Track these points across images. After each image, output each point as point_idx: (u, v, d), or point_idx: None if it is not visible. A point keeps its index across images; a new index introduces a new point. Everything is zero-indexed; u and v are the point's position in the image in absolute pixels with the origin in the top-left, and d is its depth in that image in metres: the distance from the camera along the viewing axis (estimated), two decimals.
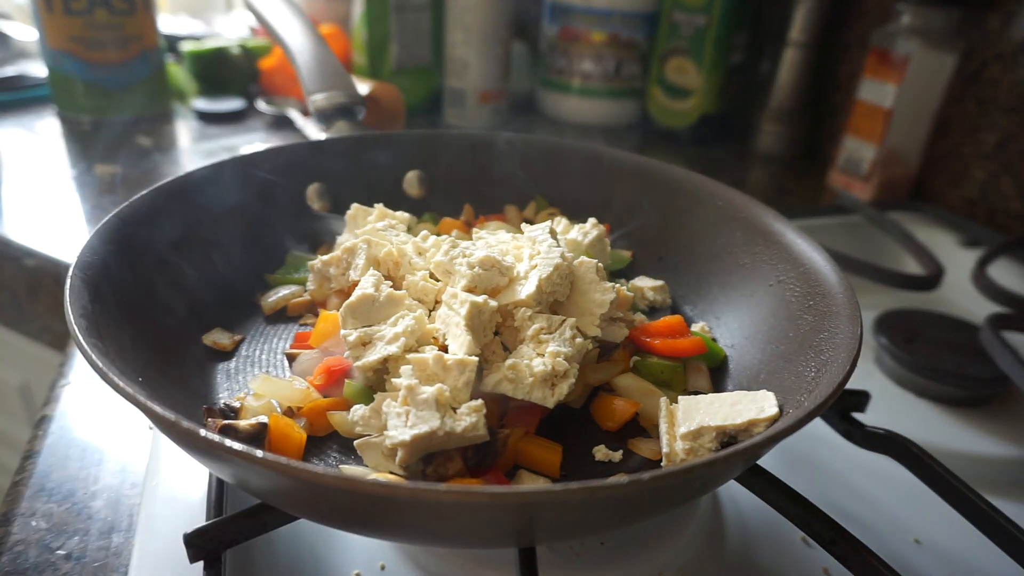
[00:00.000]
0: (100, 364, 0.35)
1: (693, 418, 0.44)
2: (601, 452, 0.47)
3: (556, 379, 0.46)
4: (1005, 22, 0.97)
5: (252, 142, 1.14)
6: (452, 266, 0.50)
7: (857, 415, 0.55)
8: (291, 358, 0.52)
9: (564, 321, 0.48)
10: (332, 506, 0.34)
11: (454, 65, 1.24)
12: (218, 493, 0.44)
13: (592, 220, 0.63)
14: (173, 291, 0.53)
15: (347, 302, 0.48)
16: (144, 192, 0.54)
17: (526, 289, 0.49)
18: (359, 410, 0.45)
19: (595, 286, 0.51)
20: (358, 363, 0.46)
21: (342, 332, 0.47)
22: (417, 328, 0.47)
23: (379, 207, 0.61)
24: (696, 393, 0.52)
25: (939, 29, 0.98)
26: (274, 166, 0.64)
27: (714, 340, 0.57)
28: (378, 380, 0.47)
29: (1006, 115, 0.98)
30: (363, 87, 1.05)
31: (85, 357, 0.36)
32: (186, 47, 1.33)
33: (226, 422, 0.43)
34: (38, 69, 1.27)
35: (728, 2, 1.19)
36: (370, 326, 0.48)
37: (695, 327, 0.58)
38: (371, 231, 0.57)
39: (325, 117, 0.70)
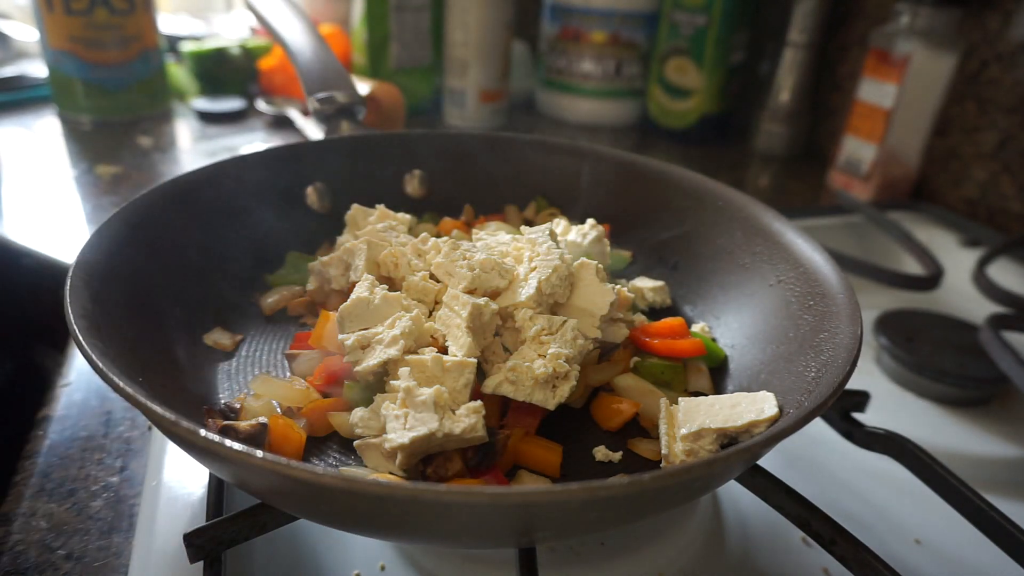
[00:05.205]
0: (100, 364, 0.35)
1: (694, 420, 0.44)
2: (601, 452, 0.47)
3: (557, 381, 0.46)
4: (1005, 22, 0.97)
5: (252, 142, 1.14)
6: (452, 268, 0.50)
7: (857, 415, 0.55)
8: (291, 358, 0.52)
9: (565, 322, 0.48)
10: (332, 506, 0.34)
11: (454, 65, 1.24)
12: (218, 493, 0.45)
13: (591, 221, 0.63)
14: (173, 291, 0.53)
15: (342, 307, 0.48)
16: (144, 192, 0.54)
17: (526, 291, 0.49)
18: (359, 412, 0.45)
19: (595, 287, 0.51)
20: (357, 368, 0.46)
21: (340, 336, 0.47)
22: (414, 328, 0.47)
23: (380, 208, 0.61)
24: (697, 393, 0.52)
25: (939, 29, 0.98)
26: (274, 166, 0.64)
27: (714, 340, 0.57)
28: (378, 382, 0.47)
29: (1006, 115, 0.98)
30: (363, 87, 1.05)
31: (85, 357, 0.36)
32: (186, 47, 1.33)
33: (226, 422, 0.43)
34: (38, 69, 1.27)
35: (728, 2, 1.19)
36: (367, 329, 0.48)
37: (695, 327, 0.58)
38: (371, 232, 0.57)
39: (325, 117, 0.70)
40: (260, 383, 0.48)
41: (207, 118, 1.23)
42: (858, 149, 1.09)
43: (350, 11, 1.29)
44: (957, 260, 0.91)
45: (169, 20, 1.65)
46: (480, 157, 0.72)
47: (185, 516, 0.47)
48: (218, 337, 0.54)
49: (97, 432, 0.55)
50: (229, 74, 1.34)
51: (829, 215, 1.00)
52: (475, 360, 0.45)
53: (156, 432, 0.55)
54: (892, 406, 0.68)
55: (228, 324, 0.56)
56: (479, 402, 0.43)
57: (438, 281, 0.52)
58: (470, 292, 0.49)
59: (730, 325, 0.58)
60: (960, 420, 0.67)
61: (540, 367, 0.45)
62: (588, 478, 0.45)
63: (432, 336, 0.48)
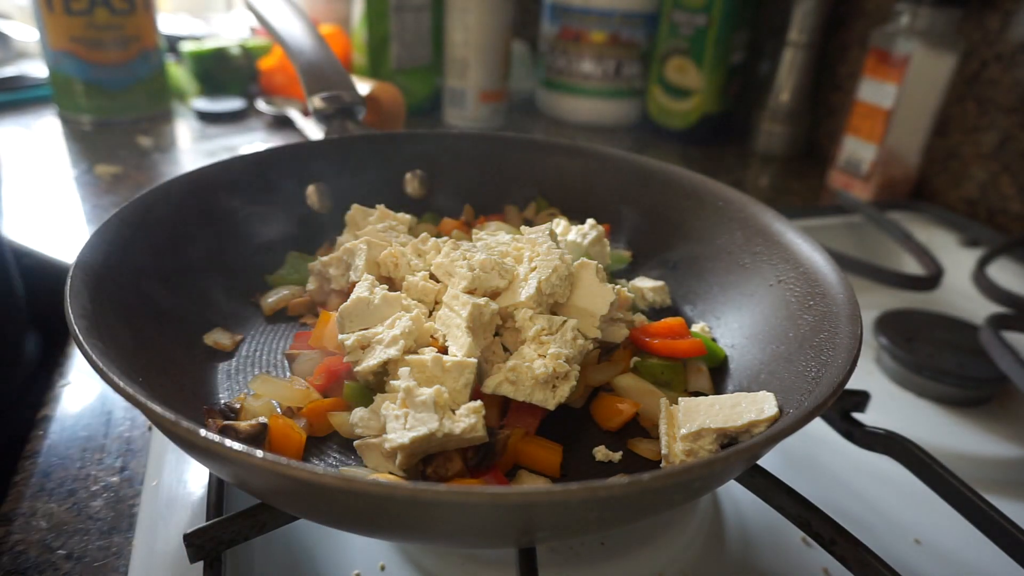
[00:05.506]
0: (100, 364, 0.35)
1: (694, 420, 0.44)
2: (601, 452, 0.47)
3: (557, 381, 0.46)
4: (1005, 22, 0.97)
5: (252, 142, 1.14)
6: (452, 268, 0.50)
7: (857, 415, 0.55)
8: (291, 358, 0.52)
9: (565, 322, 0.48)
10: (332, 506, 0.34)
11: (454, 65, 1.24)
12: (218, 493, 0.44)
13: (591, 221, 0.63)
14: (173, 291, 0.53)
15: (342, 307, 0.48)
16: (144, 192, 0.54)
17: (526, 291, 0.49)
18: (359, 412, 0.45)
19: (595, 287, 0.51)
20: (357, 368, 0.46)
21: (340, 336, 0.47)
22: (414, 328, 0.47)
23: (380, 208, 0.61)
24: (697, 393, 0.52)
25: (939, 29, 0.98)
26: (274, 166, 0.64)
27: (714, 340, 0.57)
28: (378, 381, 0.47)
29: (1006, 115, 0.98)
30: (363, 87, 1.05)
31: (85, 357, 0.36)
32: (186, 47, 1.33)
33: (226, 422, 0.43)
34: (38, 69, 1.27)
35: (728, 2, 1.19)
36: (367, 329, 0.48)
37: (695, 327, 0.58)
38: (371, 232, 0.57)
39: (325, 117, 0.70)
40: (260, 383, 0.48)
41: (207, 118, 1.23)
42: (858, 149, 1.09)
43: (350, 11, 1.29)
44: (957, 260, 0.91)
45: (169, 20, 1.65)
46: (480, 157, 0.72)
47: (185, 516, 0.47)
48: (218, 337, 0.54)
49: (97, 432, 0.55)
50: (229, 74, 1.34)
51: (829, 215, 1.00)
52: (475, 360, 0.45)
53: (156, 432, 0.55)
54: (892, 406, 0.68)
55: (228, 324, 0.56)
56: (479, 402, 0.43)
57: (438, 281, 0.52)
58: (470, 292, 0.49)
59: (730, 325, 0.58)
60: (960, 420, 0.67)
61: (540, 367, 0.45)
62: (588, 478, 0.45)
63: (432, 336, 0.48)
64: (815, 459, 0.59)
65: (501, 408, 0.48)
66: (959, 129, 1.05)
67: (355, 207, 0.61)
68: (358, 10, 1.24)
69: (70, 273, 0.42)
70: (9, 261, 0.74)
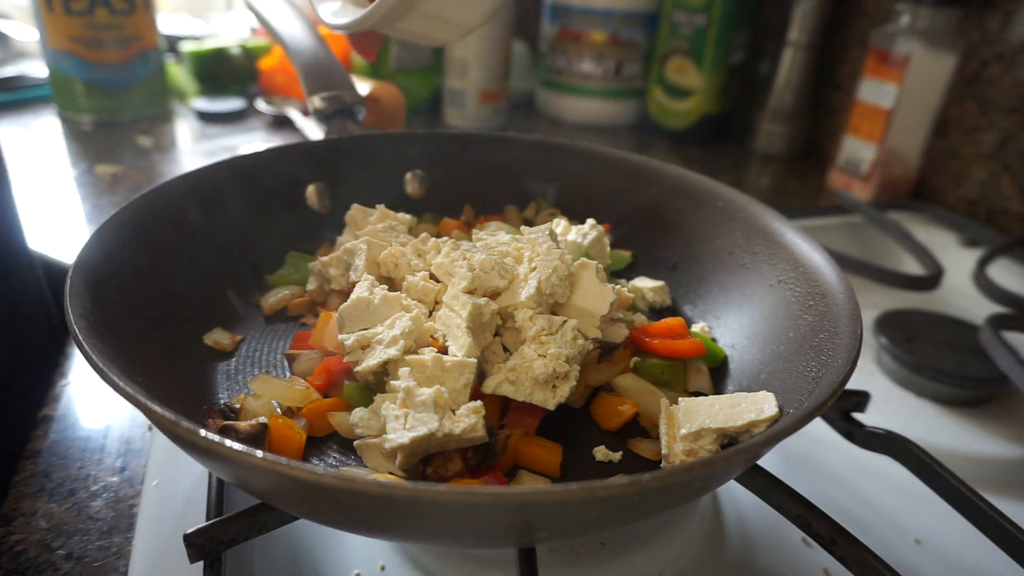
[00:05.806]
0: (100, 364, 0.35)
1: (694, 420, 0.44)
2: (601, 452, 0.47)
3: (557, 381, 0.46)
4: (1005, 22, 0.97)
5: (252, 142, 1.14)
6: (452, 268, 0.50)
7: (857, 415, 0.55)
8: (291, 358, 0.52)
9: (565, 322, 0.48)
10: (332, 506, 0.34)
11: (454, 65, 1.24)
12: (218, 493, 0.44)
13: (591, 221, 0.63)
14: (173, 291, 0.53)
15: (342, 307, 0.48)
16: (144, 192, 0.54)
17: (526, 291, 0.49)
18: (359, 412, 0.45)
19: (595, 287, 0.51)
20: (357, 368, 0.46)
21: (340, 336, 0.47)
22: (414, 328, 0.47)
23: (380, 208, 0.61)
24: (696, 393, 0.52)
25: (939, 29, 0.98)
26: (274, 166, 0.64)
27: (714, 340, 0.57)
28: (378, 382, 0.47)
29: (1006, 115, 0.98)
30: (363, 87, 1.05)
31: (85, 357, 0.36)
32: (186, 47, 1.33)
33: (226, 422, 0.43)
34: (38, 69, 1.27)
35: (728, 2, 1.19)
36: (367, 329, 0.48)
37: (695, 327, 0.58)
38: (371, 232, 0.57)
39: (325, 117, 0.70)
40: (260, 383, 0.48)
41: (207, 118, 1.24)
42: (858, 149, 1.09)
43: None
44: (957, 260, 0.91)
45: (169, 20, 1.65)
46: (480, 157, 0.72)
47: (185, 516, 0.47)
48: (218, 337, 0.54)
49: (97, 432, 0.55)
50: (229, 74, 1.34)
51: (829, 215, 1.00)
52: (475, 360, 0.45)
53: (156, 432, 0.55)
54: (892, 406, 0.68)
55: (228, 324, 0.56)
56: (479, 402, 0.43)
57: (438, 281, 0.52)
58: (470, 292, 0.49)
59: (730, 325, 0.58)
60: (960, 420, 0.67)
61: (540, 367, 0.45)
62: (588, 478, 0.45)
63: (432, 336, 0.48)
64: (815, 459, 0.59)
65: (501, 408, 0.48)
66: (959, 129, 1.05)
67: (355, 207, 0.61)
68: None
69: (70, 273, 0.42)
70: (37, 269, 0.75)
